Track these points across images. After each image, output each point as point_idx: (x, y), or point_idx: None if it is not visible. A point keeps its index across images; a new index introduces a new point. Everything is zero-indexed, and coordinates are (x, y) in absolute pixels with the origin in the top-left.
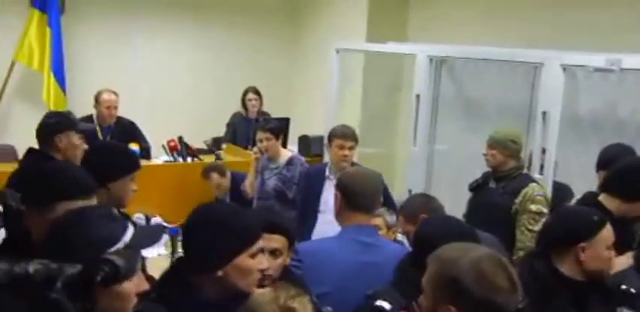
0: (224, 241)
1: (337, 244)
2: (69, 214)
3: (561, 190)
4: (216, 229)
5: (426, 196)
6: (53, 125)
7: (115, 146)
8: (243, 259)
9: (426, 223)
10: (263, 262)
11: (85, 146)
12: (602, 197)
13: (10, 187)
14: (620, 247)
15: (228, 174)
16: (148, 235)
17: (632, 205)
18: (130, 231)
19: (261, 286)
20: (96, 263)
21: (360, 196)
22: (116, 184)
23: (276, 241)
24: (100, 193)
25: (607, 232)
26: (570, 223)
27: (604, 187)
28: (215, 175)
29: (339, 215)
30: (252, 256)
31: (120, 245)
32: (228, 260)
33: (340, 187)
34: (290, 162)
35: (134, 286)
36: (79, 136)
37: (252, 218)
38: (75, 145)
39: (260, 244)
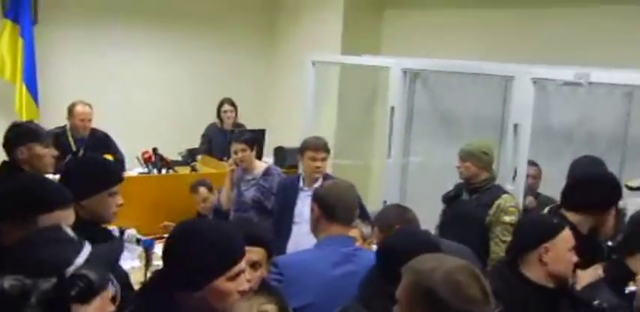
0: (204, 262)
1: (317, 256)
2: (18, 240)
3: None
4: (198, 248)
5: (400, 207)
6: (13, 138)
7: (88, 161)
8: (223, 282)
9: (391, 237)
10: (244, 283)
11: (55, 152)
12: (563, 210)
13: None
14: (587, 260)
15: (216, 192)
16: (105, 256)
17: (589, 218)
18: (85, 253)
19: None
20: (70, 278)
21: (338, 208)
22: (91, 200)
23: (256, 253)
24: (77, 208)
25: (567, 235)
26: (533, 226)
27: (562, 201)
28: (203, 189)
29: (316, 227)
30: (233, 278)
31: (71, 268)
32: (207, 281)
33: (317, 199)
34: (267, 172)
35: (96, 309)
36: (44, 144)
37: (236, 239)
38: (39, 156)
39: (242, 266)
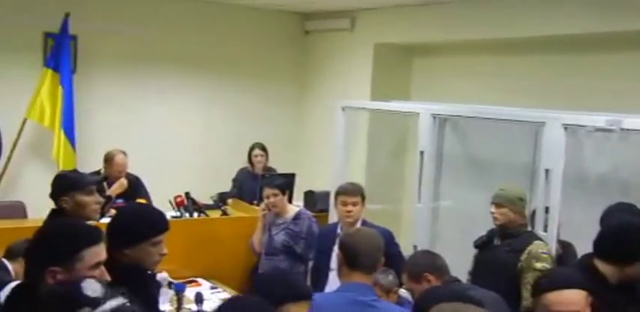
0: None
1: (333, 302)
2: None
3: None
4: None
5: (430, 254)
6: (57, 188)
7: (133, 210)
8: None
9: (428, 294)
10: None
11: (100, 199)
12: (595, 261)
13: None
14: None
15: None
16: None
17: (619, 268)
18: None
19: None
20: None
21: (358, 255)
22: (133, 249)
23: (304, 307)
24: (119, 254)
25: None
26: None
27: (594, 251)
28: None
29: (339, 273)
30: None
31: None
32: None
33: (340, 246)
34: (297, 216)
35: None
36: (87, 192)
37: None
38: (82, 204)
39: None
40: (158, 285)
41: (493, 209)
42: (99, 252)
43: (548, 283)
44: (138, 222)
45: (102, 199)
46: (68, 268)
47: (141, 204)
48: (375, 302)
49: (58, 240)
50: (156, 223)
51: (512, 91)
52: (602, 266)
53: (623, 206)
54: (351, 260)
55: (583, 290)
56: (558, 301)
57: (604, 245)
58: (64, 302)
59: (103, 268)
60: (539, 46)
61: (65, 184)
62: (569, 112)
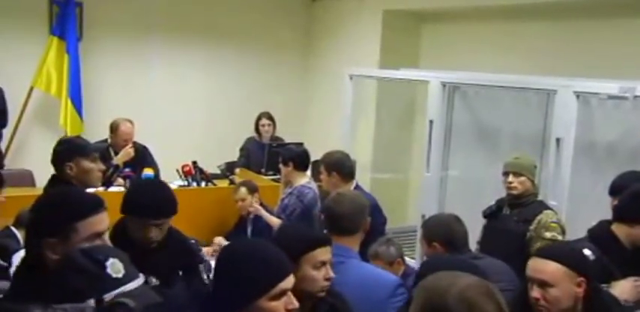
0: (245, 281)
1: None
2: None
3: None
4: (239, 269)
5: (452, 220)
6: (61, 153)
7: (144, 186)
8: (265, 302)
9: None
10: (292, 302)
11: (102, 167)
12: (614, 226)
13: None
14: (630, 275)
15: (257, 195)
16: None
17: (634, 232)
18: (128, 287)
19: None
20: (110, 307)
21: (325, 218)
22: (128, 220)
23: (330, 252)
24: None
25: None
26: None
27: (614, 216)
28: (243, 190)
29: None
30: (276, 297)
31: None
32: (248, 301)
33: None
34: (292, 192)
35: None
36: (92, 159)
37: (277, 259)
38: (87, 171)
39: (283, 286)
40: None
41: (511, 178)
42: (95, 222)
43: (537, 250)
44: (135, 197)
45: (104, 167)
46: (63, 239)
47: (159, 184)
48: (345, 258)
49: (51, 211)
50: (145, 208)
51: (524, 58)
52: (617, 229)
53: (636, 175)
54: (327, 225)
55: (565, 265)
56: (531, 267)
57: (621, 209)
58: None
59: (105, 237)
60: (551, 11)
61: (71, 150)
62: (581, 79)
